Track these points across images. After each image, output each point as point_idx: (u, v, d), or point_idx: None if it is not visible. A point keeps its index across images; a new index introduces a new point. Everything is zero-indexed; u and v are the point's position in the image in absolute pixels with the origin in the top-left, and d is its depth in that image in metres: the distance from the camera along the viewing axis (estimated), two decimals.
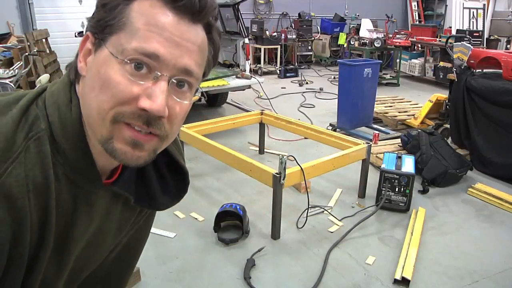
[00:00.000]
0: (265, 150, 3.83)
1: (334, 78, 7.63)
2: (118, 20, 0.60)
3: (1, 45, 5.19)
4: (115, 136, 0.62)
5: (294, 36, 8.62)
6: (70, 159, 0.65)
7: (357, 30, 9.05)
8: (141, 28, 0.59)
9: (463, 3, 9.55)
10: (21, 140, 0.60)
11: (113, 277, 1.00)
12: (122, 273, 1.02)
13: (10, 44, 5.34)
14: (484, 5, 9.52)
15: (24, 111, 0.63)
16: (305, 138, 3.71)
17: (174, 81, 0.62)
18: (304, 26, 9.08)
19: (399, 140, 3.72)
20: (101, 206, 0.74)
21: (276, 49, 8.48)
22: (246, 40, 5.08)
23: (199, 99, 5.36)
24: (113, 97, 0.59)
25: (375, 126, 4.43)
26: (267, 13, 9.54)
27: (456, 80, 3.73)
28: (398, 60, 7.76)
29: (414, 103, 5.33)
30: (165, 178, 0.82)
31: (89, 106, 0.62)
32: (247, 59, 5.04)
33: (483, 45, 8.18)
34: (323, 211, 2.74)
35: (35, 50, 4.15)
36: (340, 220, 2.63)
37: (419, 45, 8.30)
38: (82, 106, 0.65)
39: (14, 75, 3.62)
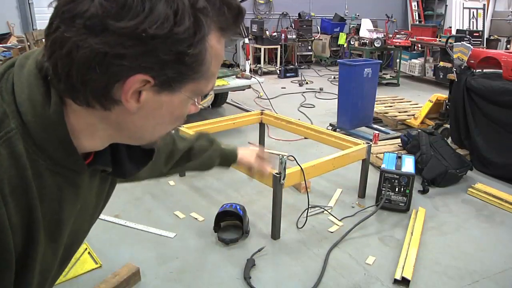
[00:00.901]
0: (265, 150, 3.83)
1: (334, 78, 7.63)
2: (201, 74, 0.60)
3: (1, 45, 5.19)
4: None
5: (294, 36, 8.62)
6: (53, 156, 0.61)
7: (357, 30, 9.06)
8: (215, 71, 0.62)
9: (463, 3, 9.55)
10: None
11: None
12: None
13: (10, 44, 5.34)
14: (484, 5, 9.52)
15: None
16: (305, 138, 3.71)
17: None
18: (304, 26, 9.08)
19: (399, 140, 3.72)
20: (85, 186, 0.72)
21: (276, 49, 8.48)
22: (246, 40, 5.08)
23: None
24: (175, 125, 0.69)
25: (375, 126, 4.43)
26: (267, 13, 9.55)
27: (456, 80, 3.73)
28: (398, 60, 7.76)
29: (414, 103, 5.33)
30: (131, 145, 0.77)
31: (144, 132, 0.66)
32: (247, 59, 5.04)
33: (483, 45, 8.18)
34: (323, 211, 2.74)
35: None
36: (340, 220, 2.62)
37: (419, 45, 8.30)
38: (120, 130, 0.64)
39: None
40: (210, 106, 5.20)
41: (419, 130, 3.50)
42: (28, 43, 4.22)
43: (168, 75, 0.56)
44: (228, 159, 1.41)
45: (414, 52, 8.47)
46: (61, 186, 0.65)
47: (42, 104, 0.58)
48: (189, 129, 3.08)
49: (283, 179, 2.25)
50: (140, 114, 0.60)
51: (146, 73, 0.55)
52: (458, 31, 8.32)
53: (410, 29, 9.42)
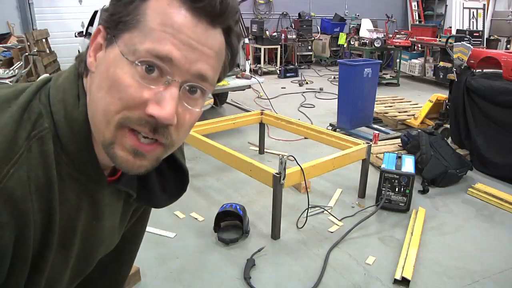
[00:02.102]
0: (265, 150, 3.83)
1: (334, 78, 7.63)
2: (132, 17, 0.57)
3: (1, 45, 5.19)
4: (117, 142, 0.59)
5: (294, 36, 8.62)
6: (75, 159, 0.63)
7: (357, 30, 9.06)
8: (156, 28, 0.56)
9: (463, 3, 9.54)
10: (23, 140, 0.57)
11: (111, 273, 1.01)
12: (120, 269, 1.03)
13: (10, 44, 5.35)
14: (484, 5, 9.52)
15: (24, 108, 0.60)
16: (305, 138, 3.71)
17: (187, 87, 0.59)
18: (304, 26, 9.09)
19: (399, 140, 3.72)
20: (106, 203, 0.73)
21: (276, 49, 8.48)
22: (246, 40, 5.08)
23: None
24: (120, 100, 0.56)
25: (375, 126, 4.43)
26: (267, 13, 9.55)
27: (456, 80, 3.73)
28: (398, 60, 7.76)
29: (414, 103, 5.33)
30: (165, 176, 0.80)
31: (95, 105, 0.60)
32: (247, 59, 5.04)
33: (483, 45, 8.18)
34: (323, 211, 2.74)
35: (35, 50, 4.15)
36: (340, 220, 2.62)
37: (419, 45, 8.30)
38: (89, 103, 0.62)
39: (14, 75, 3.62)
40: (218, 105, 5.20)
41: (419, 130, 3.50)
42: (28, 43, 4.22)
43: (107, 23, 0.59)
44: None
45: (414, 52, 8.47)
46: (80, 195, 0.66)
47: (72, 104, 0.62)
48: None
49: (283, 179, 2.25)
50: (94, 76, 0.61)
51: (103, 25, 0.60)
52: (458, 31, 8.31)
53: (410, 29, 9.42)
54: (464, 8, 9.56)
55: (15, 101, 0.60)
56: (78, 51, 6.58)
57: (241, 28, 5.11)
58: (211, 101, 4.96)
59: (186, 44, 0.56)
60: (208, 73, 0.60)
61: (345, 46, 8.86)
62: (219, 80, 0.67)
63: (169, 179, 0.80)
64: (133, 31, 0.56)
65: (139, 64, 0.56)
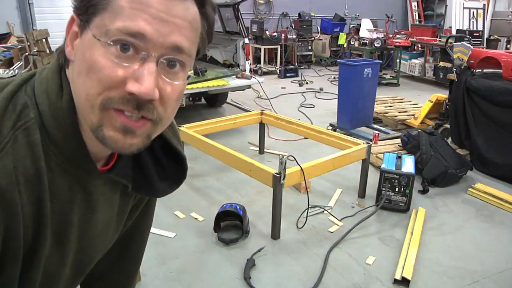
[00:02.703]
0: (265, 150, 3.83)
1: (334, 78, 7.63)
2: (102, 5, 0.56)
3: (1, 45, 5.19)
4: (105, 123, 0.59)
5: (294, 36, 8.62)
6: (63, 149, 0.62)
7: (357, 30, 9.05)
8: (125, 6, 0.55)
9: (463, 3, 9.54)
10: (8, 130, 0.57)
11: (118, 269, 0.99)
12: (128, 267, 1.02)
13: (10, 44, 5.34)
14: (484, 5, 9.51)
15: (9, 99, 0.60)
16: (305, 138, 3.71)
17: (164, 61, 0.58)
18: (304, 26, 9.08)
19: (399, 140, 3.72)
20: (100, 194, 0.72)
21: (276, 49, 8.48)
22: (246, 40, 5.08)
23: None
24: (99, 81, 0.56)
25: (375, 126, 4.43)
26: (267, 13, 9.54)
27: (456, 80, 3.73)
28: (398, 60, 7.75)
29: (414, 103, 5.33)
30: (162, 164, 0.79)
31: (78, 92, 0.60)
32: (247, 59, 5.03)
33: (483, 45, 8.17)
34: (323, 211, 2.74)
35: (35, 50, 4.15)
36: (340, 220, 2.62)
37: (419, 45, 8.30)
38: (73, 91, 0.62)
39: (14, 75, 3.62)
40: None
41: (419, 130, 3.50)
42: (28, 43, 4.22)
43: (78, 9, 0.59)
44: None
45: (414, 52, 8.46)
46: (72, 187, 0.66)
47: (56, 93, 0.62)
48: (189, 129, 3.08)
49: (283, 179, 2.25)
50: (74, 64, 0.61)
51: (75, 12, 0.60)
52: (458, 31, 8.31)
53: (410, 29, 9.42)
54: (464, 8, 9.56)
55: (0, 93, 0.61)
56: None
57: (241, 26, 5.11)
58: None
59: (156, 18, 0.56)
60: (184, 44, 0.59)
61: (345, 46, 8.86)
62: (199, 53, 0.65)
63: (167, 167, 0.79)
64: (104, 12, 0.56)
65: (111, 43, 0.56)
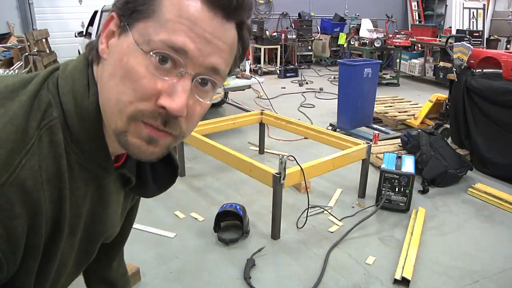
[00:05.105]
0: (265, 150, 3.83)
1: (334, 78, 7.63)
2: (148, 6, 0.56)
3: (1, 45, 5.19)
4: (130, 131, 0.59)
5: (294, 36, 8.62)
6: (85, 148, 0.63)
7: (357, 30, 9.06)
8: (172, 19, 0.55)
9: (463, 3, 9.55)
10: (34, 130, 0.57)
11: (106, 259, 1.06)
12: (112, 256, 1.08)
13: (10, 44, 5.35)
14: (484, 5, 9.52)
15: (34, 97, 0.60)
16: (305, 138, 3.71)
17: (199, 79, 0.59)
18: (304, 26, 9.09)
19: (399, 140, 3.72)
20: (111, 190, 0.75)
21: (276, 49, 8.48)
22: None
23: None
24: (134, 90, 0.57)
25: (375, 126, 4.43)
26: (267, 13, 9.55)
27: (456, 80, 3.73)
28: (398, 60, 7.76)
29: (414, 103, 5.33)
30: (156, 168, 0.81)
31: (108, 94, 0.60)
32: (247, 59, 5.05)
33: (483, 45, 8.18)
34: (323, 211, 2.74)
35: (35, 50, 4.15)
36: (340, 220, 2.62)
37: (419, 45, 8.30)
38: (100, 91, 0.62)
39: None
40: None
41: (419, 130, 3.50)
42: (28, 43, 4.22)
43: (121, 10, 0.59)
44: None
45: (414, 52, 8.47)
46: (88, 182, 0.67)
47: (82, 94, 0.62)
48: None
49: (283, 179, 2.25)
50: (106, 64, 0.61)
51: (116, 12, 0.60)
52: (458, 31, 8.32)
53: (410, 29, 9.42)
54: (464, 8, 9.56)
55: (23, 90, 0.60)
56: (78, 51, 6.58)
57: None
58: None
59: (201, 37, 0.56)
60: (221, 66, 0.60)
61: (345, 46, 8.86)
62: (229, 73, 0.67)
63: (159, 171, 0.82)
64: (148, 20, 0.56)
65: (153, 55, 0.56)
